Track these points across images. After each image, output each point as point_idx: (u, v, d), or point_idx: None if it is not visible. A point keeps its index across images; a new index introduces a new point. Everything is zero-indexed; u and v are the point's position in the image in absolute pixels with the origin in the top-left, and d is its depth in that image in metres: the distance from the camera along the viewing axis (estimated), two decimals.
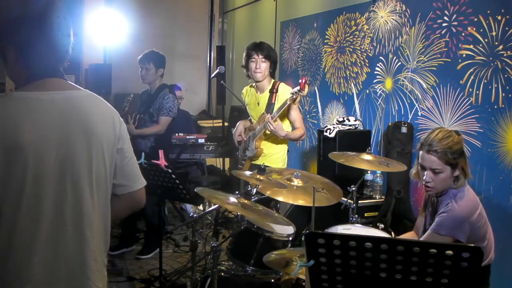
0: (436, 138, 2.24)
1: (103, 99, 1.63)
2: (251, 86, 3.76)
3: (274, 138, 3.54)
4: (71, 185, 1.48)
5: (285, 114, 3.49)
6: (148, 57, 4.43)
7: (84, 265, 1.51)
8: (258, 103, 3.63)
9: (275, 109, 3.45)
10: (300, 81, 3.12)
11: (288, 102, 3.25)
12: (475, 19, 3.09)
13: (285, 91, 3.47)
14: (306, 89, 3.13)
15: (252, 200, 2.60)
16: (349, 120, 4.07)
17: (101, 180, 1.55)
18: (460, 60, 3.22)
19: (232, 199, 2.40)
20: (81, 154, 1.49)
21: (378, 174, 3.76)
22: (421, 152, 2.29)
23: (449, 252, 1.30)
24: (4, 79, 5.70)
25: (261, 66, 3.52)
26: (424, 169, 2.29)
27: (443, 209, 2.25)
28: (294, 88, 3.27)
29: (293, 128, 3.58)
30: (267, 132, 3.48)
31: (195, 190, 2.54)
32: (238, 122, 3.84)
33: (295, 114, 3.52)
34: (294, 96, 3.19)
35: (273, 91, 3.54)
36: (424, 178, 2.29)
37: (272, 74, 3.64)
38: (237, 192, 2.66)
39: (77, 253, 1.49)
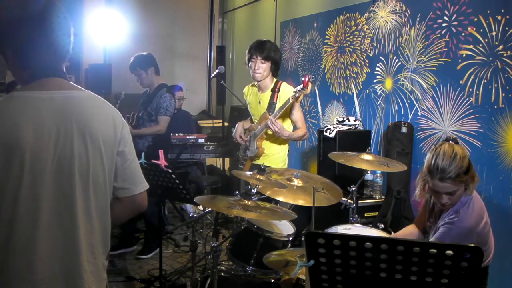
0: (445, 162, 2.11)
1: (105, 100, 1.62)
2: (253, 85, 3.73)
3: (275, 138, 3.52)
4: (68, 185, 1.47)
5: (287, 113, 3.46)
6: (134, 65, 4.50)
7: (78, 266, 1.49)
8: (260, 102, 3.61)
9: (276, 108, 3.42)
10: (303, 79, 3.07)
11: (291, 101, 3.20)
12: (475, 19, 3.09)
13: (287, 91, 3.44)
14: (309, 87, 3.08)
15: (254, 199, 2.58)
16: (349, 120, 4.06)
17: (99, 181, 1.53)
18: (460, 60, 3.22)
19: (232, 203, 2.36)
20: (78, 154, 1.48)
21: (378, 174, 3.76)
22: (432, 180, 2.16)
23: (449, 252, 1.30)
24: (4, 79, 5.71)
25: (260, 67, 3.48)
26: (439, 193, 2.19)
27: (449, 219, 2.19)
28: (296, 86, 3.24)
29: (295, 128, 3.56)
30: (269, 131, 3.46)
31: (194, 199, 2.53)
32: (237, 124, 3.82)
33: (297, 113, 3.50)
34: (297, 95, 3.14)
35: (275, 91, 3.51)
36: (441, 201, 2.20)
37: (274, 73, 3.59)
38: (237, 192, 2.65)
39: (73, 253, 1.48)
